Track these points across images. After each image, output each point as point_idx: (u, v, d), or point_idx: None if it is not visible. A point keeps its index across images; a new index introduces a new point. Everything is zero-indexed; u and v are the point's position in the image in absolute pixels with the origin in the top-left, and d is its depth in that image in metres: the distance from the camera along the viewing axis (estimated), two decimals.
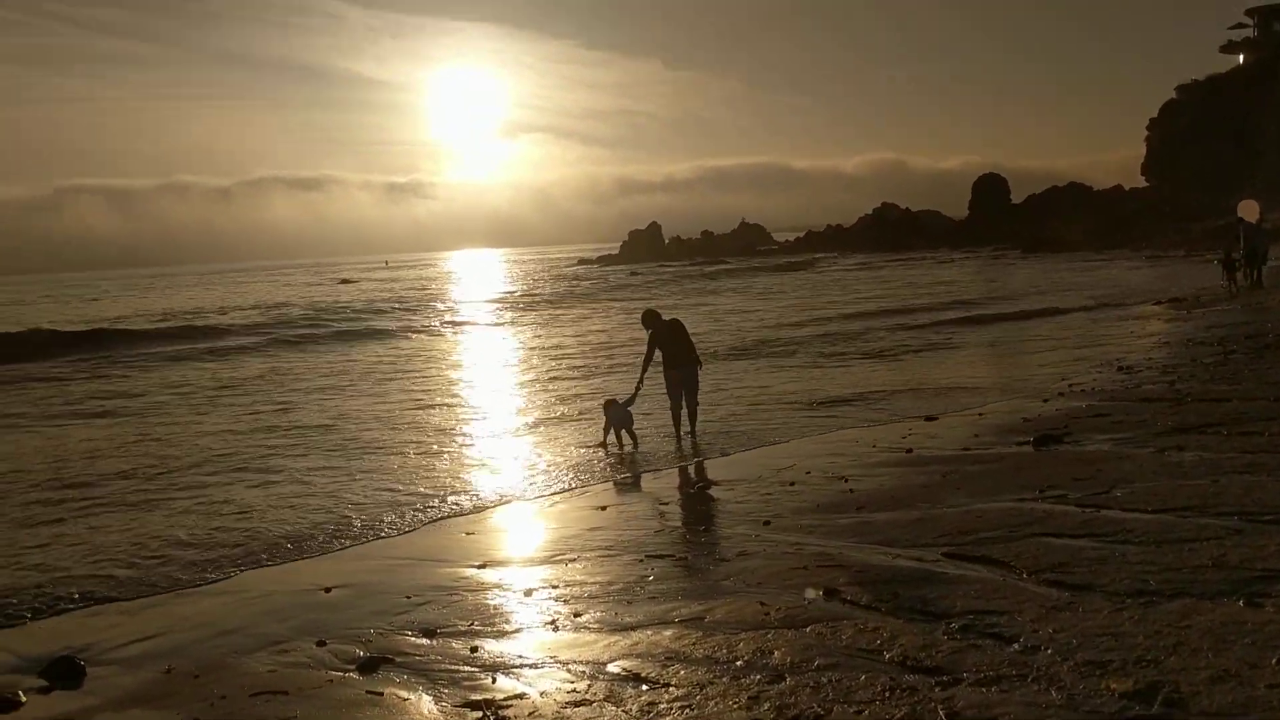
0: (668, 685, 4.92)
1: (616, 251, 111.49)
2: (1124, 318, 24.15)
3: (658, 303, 22.23)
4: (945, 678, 4.56)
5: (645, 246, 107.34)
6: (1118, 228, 71.15)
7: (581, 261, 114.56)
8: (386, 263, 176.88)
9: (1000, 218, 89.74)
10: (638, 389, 13.05)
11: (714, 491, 9.73)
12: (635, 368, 14.01)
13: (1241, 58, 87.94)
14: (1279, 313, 19.88)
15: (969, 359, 19.18)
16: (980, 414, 12.33)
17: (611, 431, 12.62)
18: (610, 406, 12.79)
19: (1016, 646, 4.83)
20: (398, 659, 5.75)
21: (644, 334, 13.22)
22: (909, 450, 10.55)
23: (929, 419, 12.39)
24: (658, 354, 12.84)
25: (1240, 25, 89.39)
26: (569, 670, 5.32)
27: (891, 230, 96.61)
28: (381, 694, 5.25)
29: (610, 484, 10.70)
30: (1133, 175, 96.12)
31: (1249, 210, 29.56)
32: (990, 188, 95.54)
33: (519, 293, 57.65)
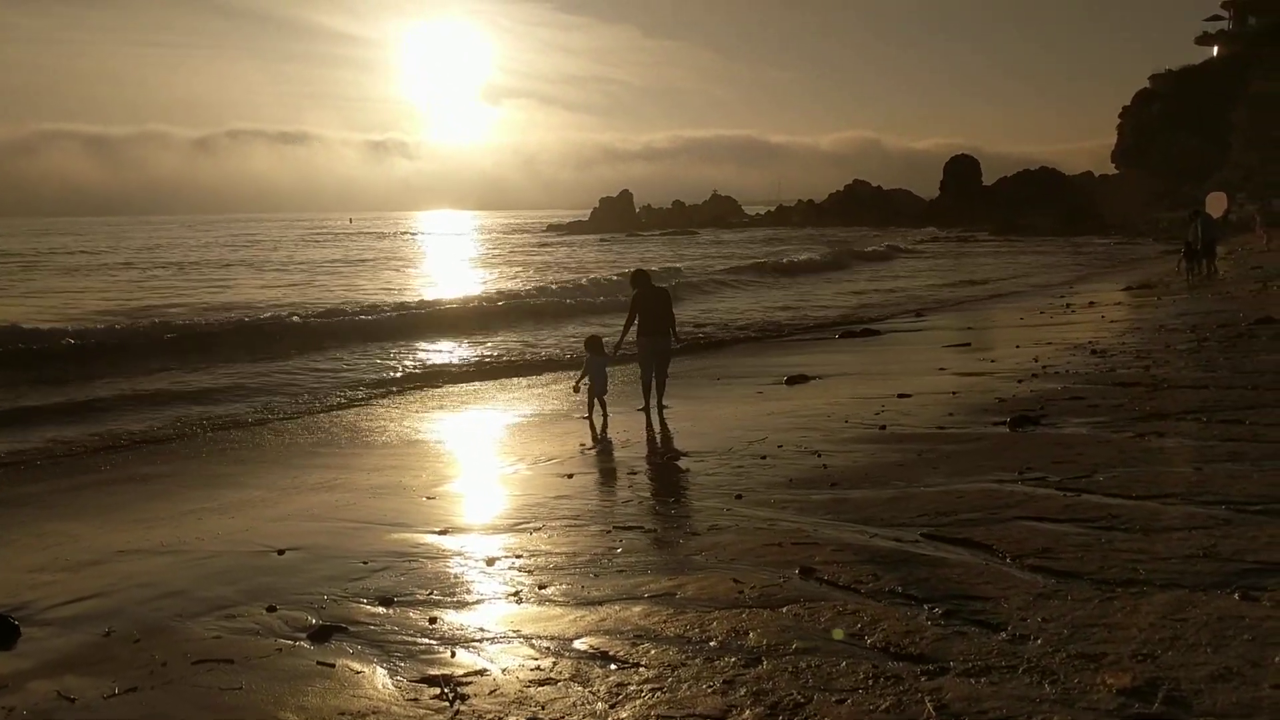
0: (637, 665, 4.65)
1: (587, 218, 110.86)
2: (1094, 302, 24.11)
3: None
4: (931, 666, 4.32)
5: (616, 214, 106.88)
6: (1087, 213, 71.68)
7: (551, 228, 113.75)
8: (350, 220, 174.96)
9: (970, 199, 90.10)
10: (619, 344, 12.87)
11: (684, 463, 9.46)
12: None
13: (1216, 50, 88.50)
14: (1250, 302, 19.89)
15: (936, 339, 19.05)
16: (954, 393, 12.14)
17: (586, 382, 12.39)
18: (593, 344, 12.58)
19: (1004, 635, 4.60)
20: (351, 628, 5.45)
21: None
22: (882, 427, 10.33)
23: (902, 396, 12.19)
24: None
25: (1216, 18, 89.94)
26: (533, 646, 5.03)
27: (862, 208, 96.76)
28: (333, 665, 4.95)
29: (577, 452, 10.41)
30: (1105, 164, 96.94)
31: (1216, 204, 29.68)
32: (962, 169, 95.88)
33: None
